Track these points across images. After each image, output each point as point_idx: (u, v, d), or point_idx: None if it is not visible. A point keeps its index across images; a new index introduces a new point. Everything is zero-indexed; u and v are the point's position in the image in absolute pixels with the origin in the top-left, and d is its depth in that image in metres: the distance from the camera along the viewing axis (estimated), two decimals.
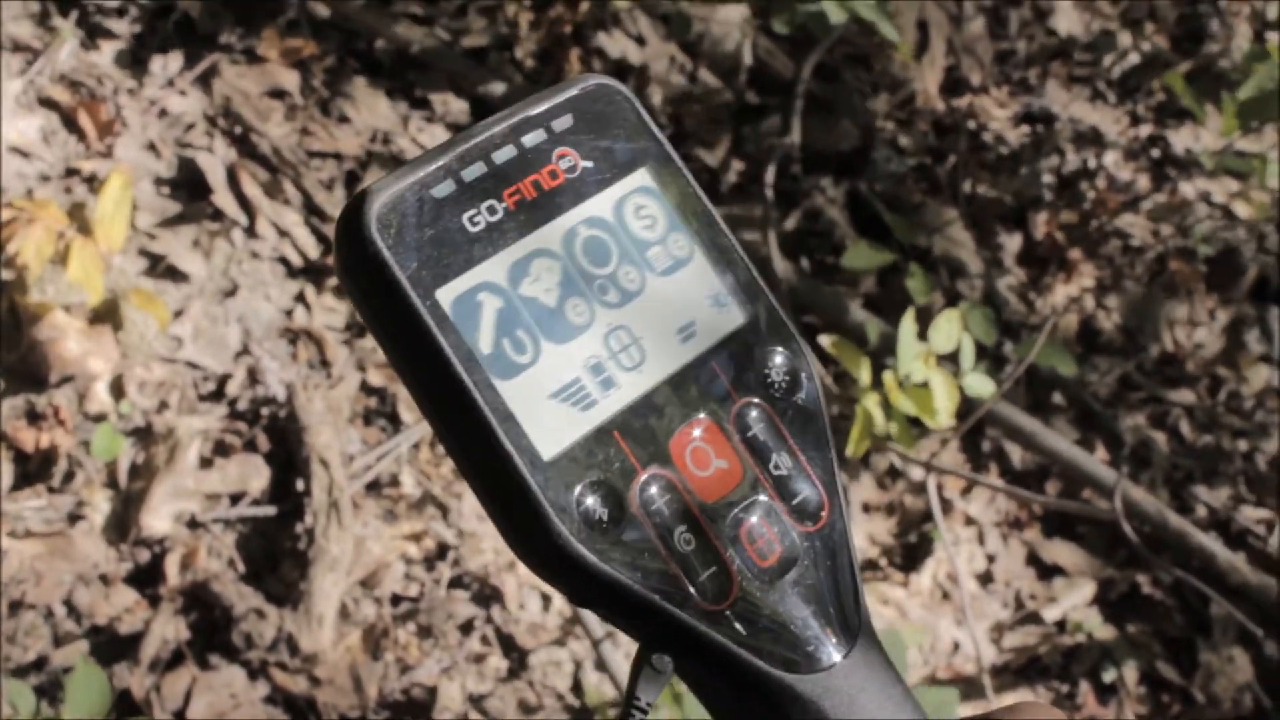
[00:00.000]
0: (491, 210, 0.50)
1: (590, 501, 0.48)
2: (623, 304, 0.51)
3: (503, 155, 0.50)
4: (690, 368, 0.52)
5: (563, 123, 0.52)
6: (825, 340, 2.02)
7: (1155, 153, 2.75)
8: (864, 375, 1.99)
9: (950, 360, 2.00)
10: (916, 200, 2.50)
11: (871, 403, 1.97)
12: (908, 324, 1.93)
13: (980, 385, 2.03)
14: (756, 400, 0.52)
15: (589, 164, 0.52)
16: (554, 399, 0.49)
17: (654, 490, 0.49)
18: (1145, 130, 2.76)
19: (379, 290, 0.48)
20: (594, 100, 0.53)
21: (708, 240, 0.53)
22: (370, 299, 0.48)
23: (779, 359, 0.53)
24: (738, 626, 0.49)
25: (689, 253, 0.53)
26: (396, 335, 0.48)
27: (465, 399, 0.48)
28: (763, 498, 0.51)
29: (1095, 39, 2.83)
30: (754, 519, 0.51)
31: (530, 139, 0.51)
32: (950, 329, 2.01)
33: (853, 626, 0.51)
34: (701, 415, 0.51)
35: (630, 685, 0.50)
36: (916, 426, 2.05)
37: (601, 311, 0.51)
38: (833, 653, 0.50)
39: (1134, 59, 2.82)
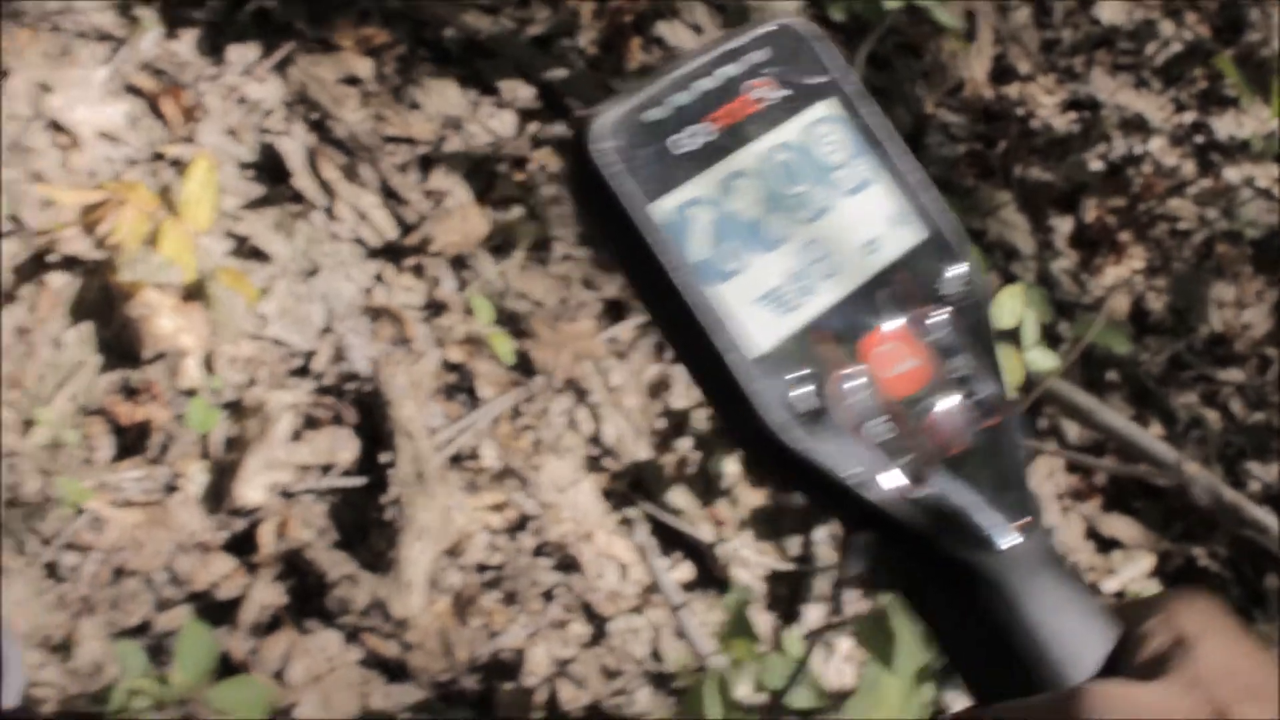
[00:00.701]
0: (696, 134, 0.56)
1: (794, 395, 0.54)
2: (814, 220, 0.57)
3: (705, 85, 0.57)
4: (878, 278, 0.58)
5: (757, 56, 0.58)
6: None
7: (1199, 139, 2.82)
8: None
9: (1010, 337, 2.07)
10: (969, 184, 2.57)
11: None
12: None
13: (1043, 360, 2.09)
14: (938, 307, 0.59)
15: (781, 94, 0.58)
16: (759, 303, 0.55)
17: (850, 386, 0.56)
18: (1189, 117, 2.83)
19: (601, 205, 0.54)
20: (784, 37, 0.59)
21: (890, 164, 0.60)
22: (594, 213, 0.55)
23: (956, 271, 0.60)
24: (926, 510, 0.55)
25: (873, 175, 0.59)
26: (618, 246, 0.55)
27: (680, 303, 0.54)
28: (946, 394, 0.58)
29: (1138, 28, 2.90)
30: (939, 413, 0.58)
31: (729, 70, 0.57)
32: (1013, 305, 2.07)
33: (1028, 512, 0.57)
34: (890, 320, 0.58)
35: (840, 561, 0.56)
36: None
37: (797, 227, 0.57)
38: (1011, 536, 0.56)
39: (1176, 48, 2.89)
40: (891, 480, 0.55)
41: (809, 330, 0.56)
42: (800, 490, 0.57)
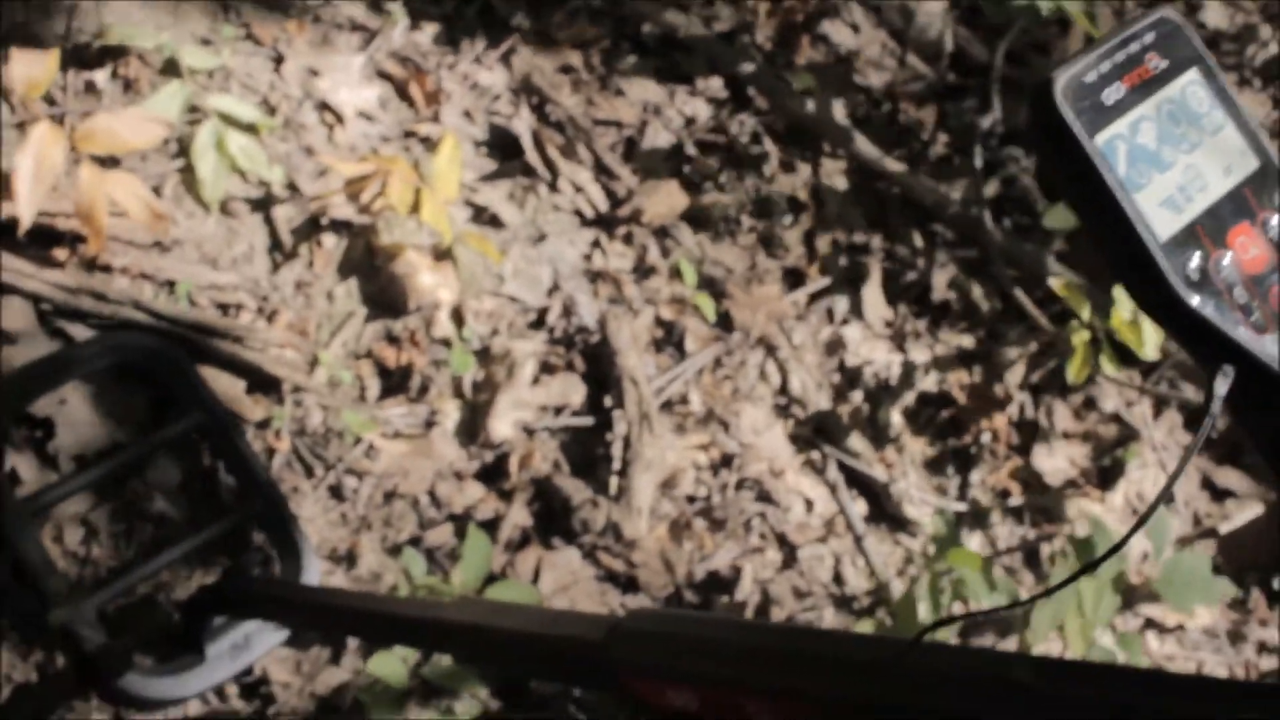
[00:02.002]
0: (1117, 89, 0.82)
1: (1189, 268, 0.79)
2: (1191, 151, 0.83)
3: (1118, 57, 0.82)
4: (1235, 189, 0.83)
5: (1148, 38, 0.84)
6: (1055, 283, 2.38)
7: None
8: (1085, 313, 2.33)
9: None
10: None
11: (1088, 337, 2.33)
12: None
13: None
14: (1273, 213, 0.85)
15: (1164, 64, 0.84)
16: (1160, 205, 0.80)
17: (1222, 263, 0.81)
18: None
19: (1059, 139, 0.79)
20: (1163, 25, 0.85)
21: (1235, 113, 0.86)
22: (1053, 145, 0.80)
23: None
24: (1273, 351, 0.80)
25: (1225, 121, 0.85)
26: (1070, 169, 0.80)
27: (1114, 206, 0.79)
28: None
29: (1239, 31, 3.17)
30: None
31: (1132, 47, 0.83)
32: None
33: None
34: (1243, 219, 0.83)
35: (1206, 397, 0.82)
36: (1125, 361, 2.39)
37: (1181, 155, 0.82)
38: None
39: (1274, 49, 3.16)
40: (1254, 328, 0.80)
41: (1194, 224, 0.80)
42: (1188, 338, 0.80)
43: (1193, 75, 0.84)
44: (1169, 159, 0.81)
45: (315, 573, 1.98)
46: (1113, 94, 0.81)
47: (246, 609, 1.88)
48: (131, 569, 1.88)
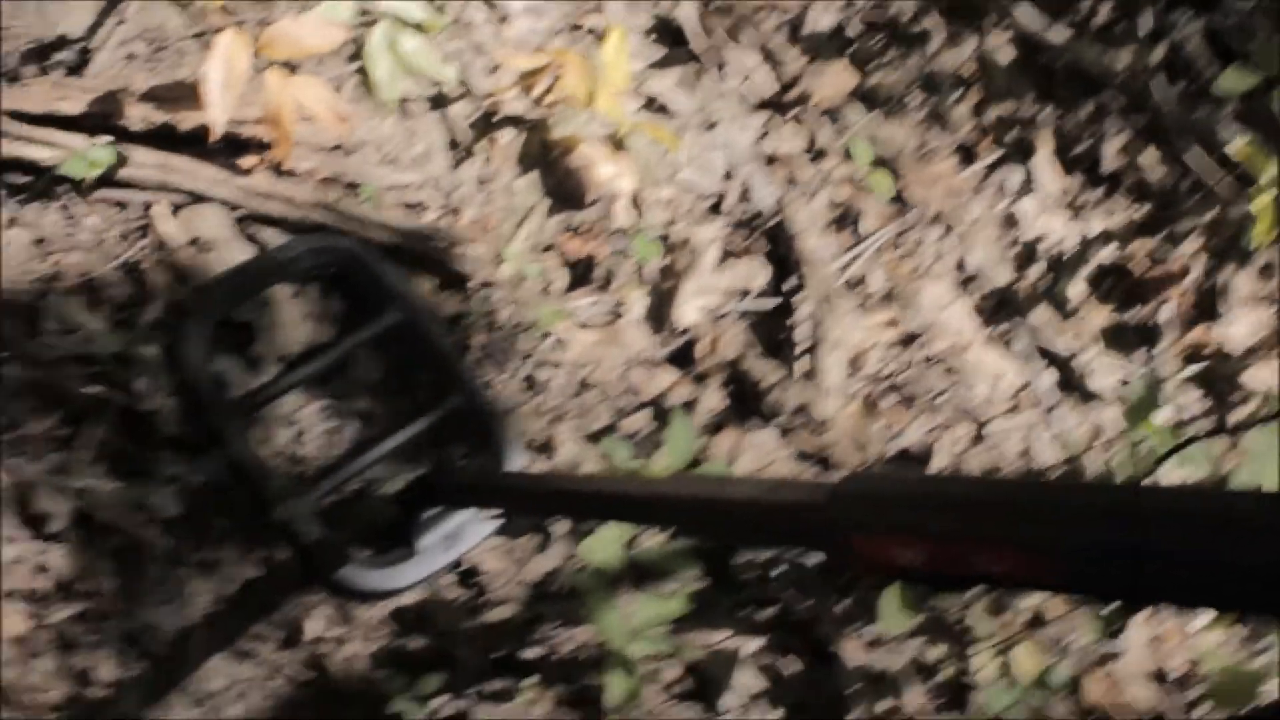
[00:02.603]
0: None
1: None
2: None
3: None
4: None
5: None
6: (1234, 146, 2.33)
7: None
8: (1271, 171, 2.28)
9: None
10: (1265, 34, 2.76)
11: (1274, 196, 2.27)
12: None
13: None
14: None
15: None
16: None
17: None
18: None
19: None
20: None
21: None
22: None
23: None
24: None
25: None
26: None
27: None
28: None
29: None
30: None
31: None
32: None
33: None
34: None
35: None
36: None
37: None
38: None
39: None
40: None
41: None
42: None
43: None
44: None
45: (519, 459, 1.99)
46: None
47: (456, 499, 1.91)
48: (342, 466, 1.91)
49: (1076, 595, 1.50)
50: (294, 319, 2.00)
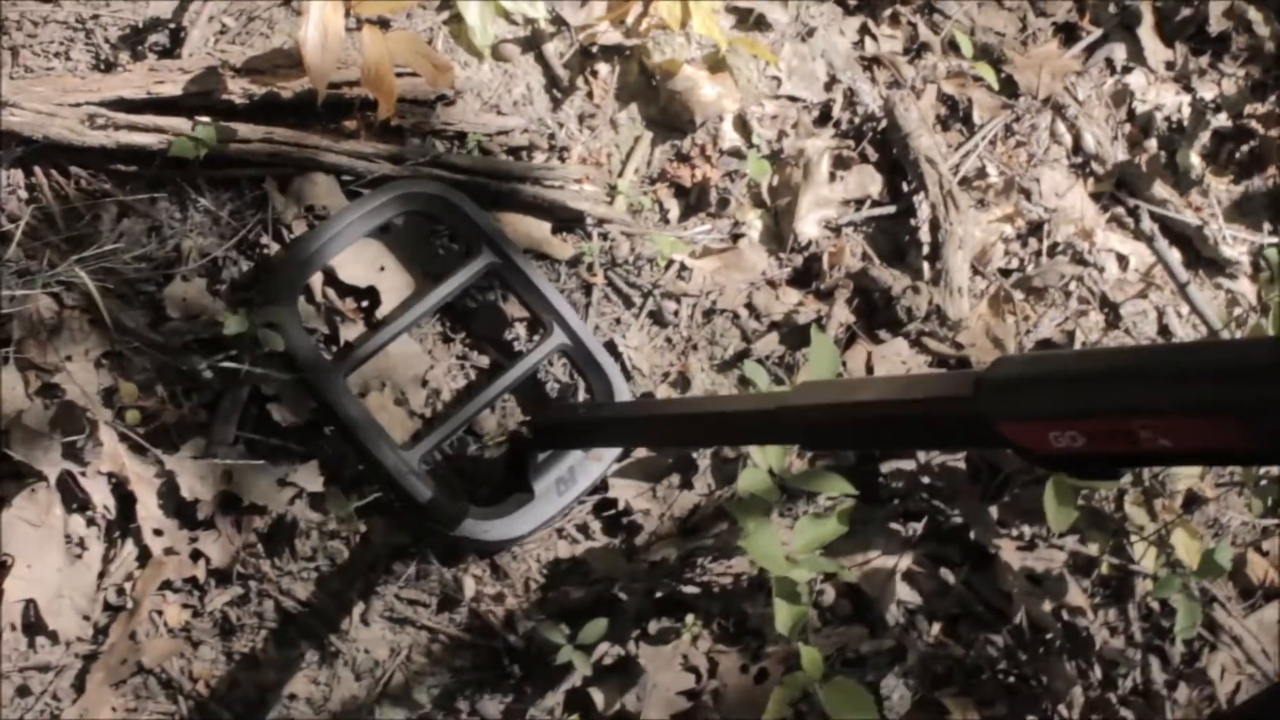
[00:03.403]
0: None
1: None
2: None
3: None
4: None
5: None
6: None
7: None
8: None
9: None
10: None
11: None
12: None
13: None
14: None
15: None
16: None
17: None
18: None
19: None
20: None
21: None
22: None
23: None
24: None
25: None
26: None
27: None
28: None
29: None
30: None
31: None
32: None
33: None
34: None
35: None
36: None
37: None
38: None
39: None
40: None
41: None
42: None
43: None
44: None
45: (625, 392, 1.94)
46: None
47: (567, 440, 1.86)
48: (450, 415, 1.86)
49: (1262, 462, 1.41)
50: (389, 267, 1.95)
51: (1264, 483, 2.05)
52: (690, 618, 1.88)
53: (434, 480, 1.80)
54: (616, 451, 1.92)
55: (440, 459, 1.89)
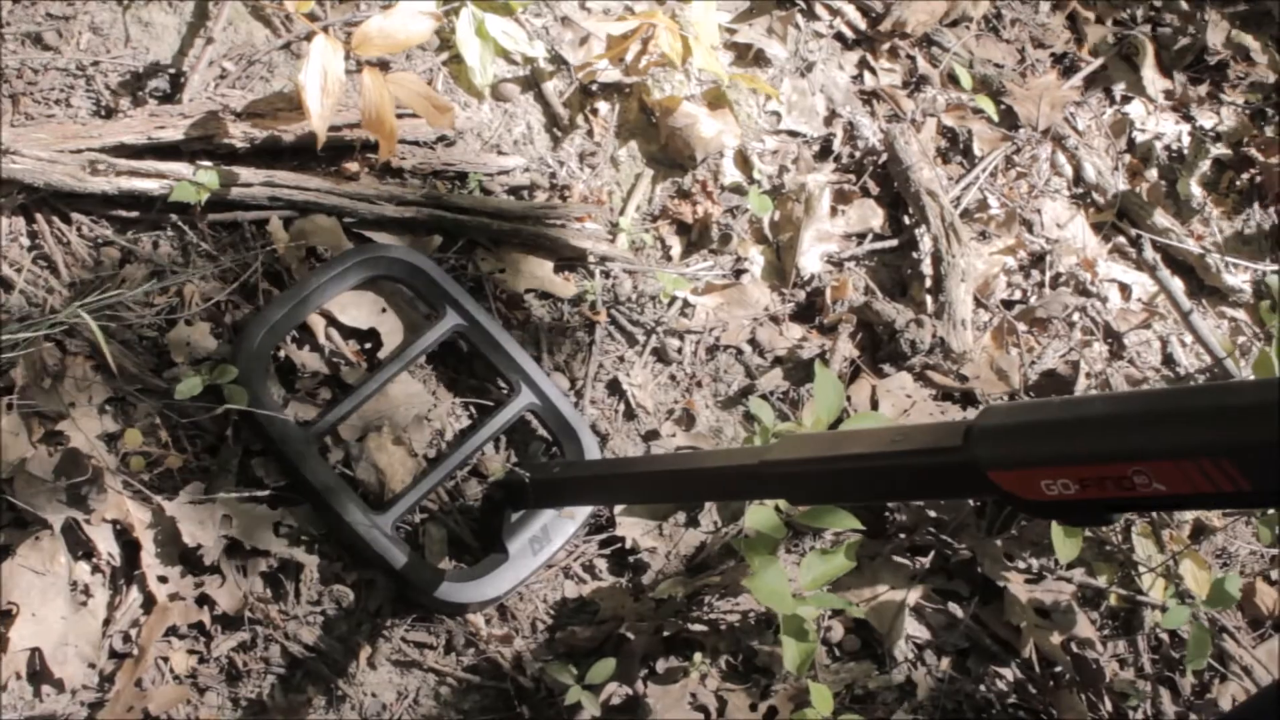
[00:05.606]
0: None
1: None
2: None
3: None
4: None
5: None
6: None
7: None
8: None
9: None
10: None
11: None
12: None
13: None
14: None
15: None
16: None
17: None
18: None
19: None
20: None
21: None
22: None
23: None
24: None
25: None
26: None
27: None
28: None
29: None
30: None
31: None
32: None
33: None
34: None
35: None
36: None
37: None
38: None
39: None
40: None
41: None
42: None
43: None
44: None
45: (595, 449, 1.90)
46: None
47: (539, 498, 1.81)
48: (422, 478, 1.82)
49: (1255, 504, 1.37)
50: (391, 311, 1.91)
51: (1271, 511, 2.00)
52: (698, 656, 1.83)
53: (407, 547, 1.76)
54: (589, 510, 1.87)
55: (414, 524, 1.84)
